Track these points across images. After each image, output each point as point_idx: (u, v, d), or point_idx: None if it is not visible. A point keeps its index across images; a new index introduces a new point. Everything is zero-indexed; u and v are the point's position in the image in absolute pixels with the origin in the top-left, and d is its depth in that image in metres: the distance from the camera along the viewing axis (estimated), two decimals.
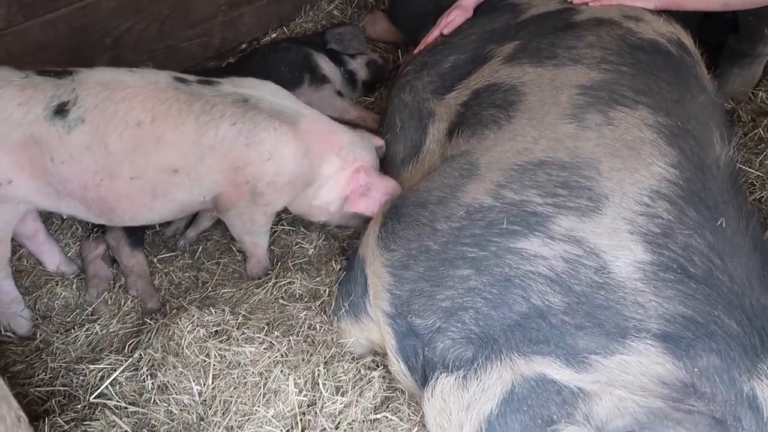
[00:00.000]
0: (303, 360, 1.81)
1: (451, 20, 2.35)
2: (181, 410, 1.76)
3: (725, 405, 1.35)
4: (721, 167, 1.70)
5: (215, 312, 1.92)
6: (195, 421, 1.75)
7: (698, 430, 1.31)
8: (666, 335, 1.41)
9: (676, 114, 1.76)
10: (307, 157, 1.95)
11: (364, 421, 1.73)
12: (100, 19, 2.23)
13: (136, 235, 2.21)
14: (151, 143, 1.76)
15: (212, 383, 1.77)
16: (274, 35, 2.97)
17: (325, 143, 1.98)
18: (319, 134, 1.98)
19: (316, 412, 1.74)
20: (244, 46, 2.90)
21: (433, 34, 2.38)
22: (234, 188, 1.90)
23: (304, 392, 1.76)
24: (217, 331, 1.88)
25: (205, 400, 1.77)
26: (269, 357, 1.79)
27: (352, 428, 1.72)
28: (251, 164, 1.87)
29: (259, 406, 1.73)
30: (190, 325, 1.87)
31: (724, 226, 1.55)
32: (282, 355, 1.81)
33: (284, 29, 3.00)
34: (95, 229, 2.24)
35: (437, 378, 1.55)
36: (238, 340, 1.83)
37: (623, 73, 1.86)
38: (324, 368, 1.80)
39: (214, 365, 1.78)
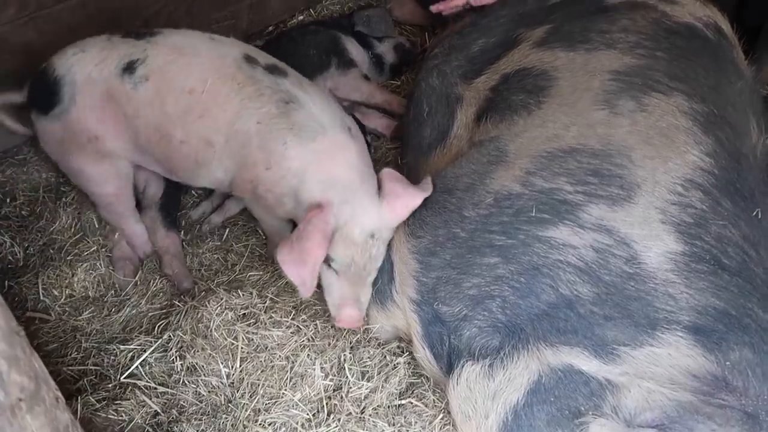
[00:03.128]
0: (329, 345, 1.83)
1: None
2: (209, 392, 1.79)
3: (758, 399, 1.33)
4: (757, 156, 1.66)
5: (243, 295, 1.94)
6: (223, 402, 1.78)
7: (729, 425, 1.30)
8: (697, 327, 1.39)
9: (712, 101, 1.72)
10: (301, 176, 1.77)
11: (389, 407, 1.74)
12: (130, 1, 2.24)
13: (171, 216, 2.24)
14: (197, 112, 1.79)
15: (240, 366, 1.79)
16: (300, 18, 2.95)
17: (324, 169, 1.75)
18: (326, 156, 1.76)
19: (341, 397, 1.76)
20: (270, 28, 2.89)
21: (459, 1, 2.34)
22: (241, 181, 1.89)
23: (330, 377, 1.78)
24: (244, 314, 1.90)
25: (233, 383, 1.79)
26: (296, 341, 1.81)
27: (377, 413, 1.73)
28: (255, 167, 1.81)
29: (285, 390, 1.75)
30: (219, 308, 1.89)
31: (759, 216, 1.52)
32: (309, 340, 1.83)
33: (311, 12, 2.98)
34: None
35: (463, 366, 1.55)
36: (265, 323, 1.86)
37: (658, 58, 1.81)
38: (350, 353, 1.82)
39: (242, 348, 1.81)
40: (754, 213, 1.53)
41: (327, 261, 1.72)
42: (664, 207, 1.52)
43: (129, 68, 1.78)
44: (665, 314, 1.40)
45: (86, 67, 1.80)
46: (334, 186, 1.72)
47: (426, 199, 1.78)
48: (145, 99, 1.79)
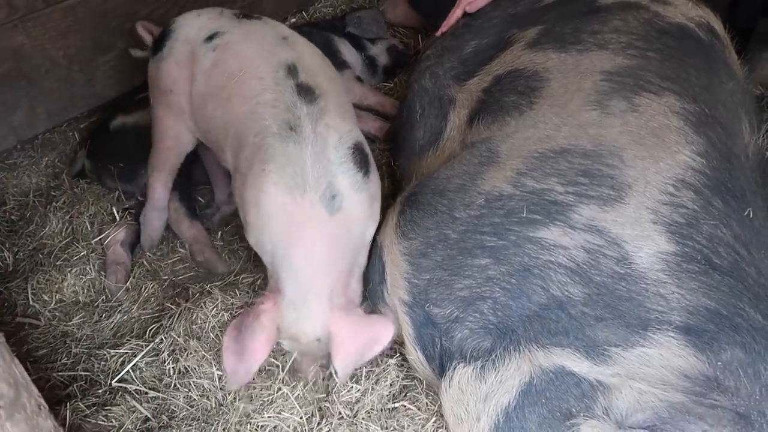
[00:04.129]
0: None
1: (473, 0, 2.31)
2: (200, 395, 1.78)
3: (749, 399, 1.32)
4: (749, 156, 1.66)
5: (239, 294, 1.93)
6: (214, 406, 1.77)
7: (721, 425, 1.28)
8: (689, 328, 1.38)
9: (703, 101, 1.72)
10: (269, 223, 1.63)
11: (382, 410, 1.73)
12: (120, 4, 2.23)
13: (192, 206, 2.28)
14: (226, 95, 1.80)
15: None
16: (293, 20, 2.95)
17: (287, 240, 1.59)
18: (292, 224, 1.59)
19: (333, 400, 1.74)
20: None
21: (456, 14, 2.34)
22: (233, 185, 1.85)
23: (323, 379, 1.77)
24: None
25: (224, 385, 1.78)
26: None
27: (370, 416, 1.72)
28: (238, 175, 1.74)
29: (277, 393, 1.74)
30: (215, 309, 1.88)
31: (751, 216, 1.51)
32: None
33: (304, 14, 2.98)
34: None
35: (455, 368, 1.53)
36: None
37: (650, 58, 1.81)
38: None
39: None
40: (746, 213, 1.52)
41: (280, 342, 1.64)
42: (656, 207, 1.51)
43: (210, 37, 1.89)
44: (656, 315, 1.39)
45: (188, 29, 1.96)
46: (288, 274, 1.57)
47: (417, 201, 1.76)
48: (205, 67, 1.86)
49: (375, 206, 1.72)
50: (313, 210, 1.57)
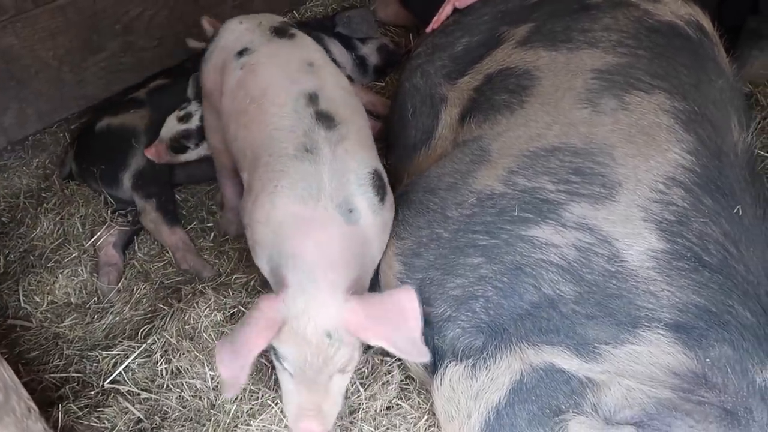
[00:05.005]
0: None
1: None
2: (193, 396, 1.78)
3: (737, 396, 1.33)
4: (738, 154, 1.66)
5: (232, 294, 1.93)
6: (206, 407, 1.77)
7: (708, 421, 1.29)
8: (678, 325, 1.39)
9: (693, 99, 1.72)
10: (278, 233, 1.58)
11: (377, 410, 1.73)
12: (110, 5, 2.22)
13: (171, 212, 2.25)
14: (245, 120, 1.76)
15: None
16: (284, 20, 2.94)
17: (296, 241, 1.53)
18: (303, 227, 1.54)
19: None
20: None
21: (446, 10, 2.33)
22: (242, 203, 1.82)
23: None
24: (233, 314, 1.88)
25: (217, 385, 1.78)
26: None
27: (363, 418, 1.72)
28: (250, 194, 1.70)
29: (270, 393, 1.74)
30: (207, 309, 1.88)
31: (740, 214, 1.52)
32: None
33: (295, 13, 2.98)
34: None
35: (446, 366, 1.54)
36: None
37: (640, 56, 1.81)
38: None
39: None
40: (735, 210, 1.52)
41: (279, 359, 1.49)
42: (646, 205, 1.52)
43: (240, 53, 1.89)
44: (646, 312, 1.40)
45: (228, 37, 1.98)
46: (297, 266, 1.48)
47: (409, 200, 1.77)
48: (231, 85, 1.87)
49: (386, 235, 1.69)
50: (327, 213, 1.53)
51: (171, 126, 2.19)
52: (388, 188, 1.70)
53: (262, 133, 1.69)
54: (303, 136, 1.62)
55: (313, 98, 1.70)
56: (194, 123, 2.18)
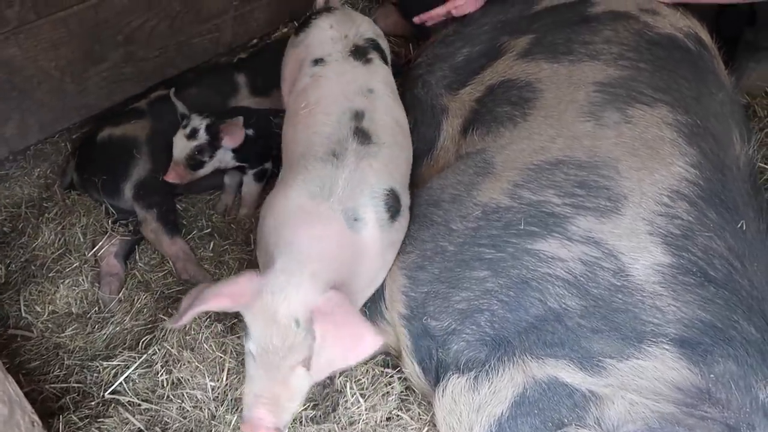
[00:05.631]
0: None
1: (460, 4, 2.30)
2: (193, 407, 1.77)
3: (740, 412, 1.33)
4: (740, 167, 1.67)
5: None
6: (206, 417, 1.76)
7: None
8: (683, 340, 1.39)
9: (695, 112, 1.73)
10: (282, 221, 1.64)
11: (378, 421, 1.73)
12: (111, 15, 2.22)
13: (172, 223, 2.25)
14: (296, 121, 1.86)
15: (226, 379, 1.78)
16: (284, 30, 2.95)
17: (295, 230, 1.58)
18: (305, 219, 1.60)
19: (329, 412, 1.74)
20: (254, 41, 2.88)
21: (439, 11, 2.35)
22: None
23: (322, 392, 1.77)
24: (233, 324, 1.87)
25: (217, 396, 1.77)
26: None
27: (366, 426, 1.72)
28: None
29: None
30: (207, 319, 1.87)
31: (744, 228, 1.53)
32: None
33: (295, 24, 2.97)
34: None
35: (449, 379, 1.54)
36: None
37: (641, 69, 1.83)
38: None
39: (229, 361, 1.79)
40: (739, 225, 1.53)
41: (247, 339, 1.47)
42: (652, 218, 1.52)
43: (316, 62, 1.98)
44: (652, 327, 1.41)
45: (316, 36, 2.06)
46: (288, 252, 1.50)
47: (413, 213, 1.77)
48: (299, 87, 1.96)
49: (389, 255, 1.71)
50: (331, 213, 1.58)
51: (182, 146, 2.18)
52: (405, 212, 1.75)
53: (304, 135, 1.79)
54: (335, 143, 1.72)
55: (359, 116, 1.79)
56: (203, 137, 2.18)
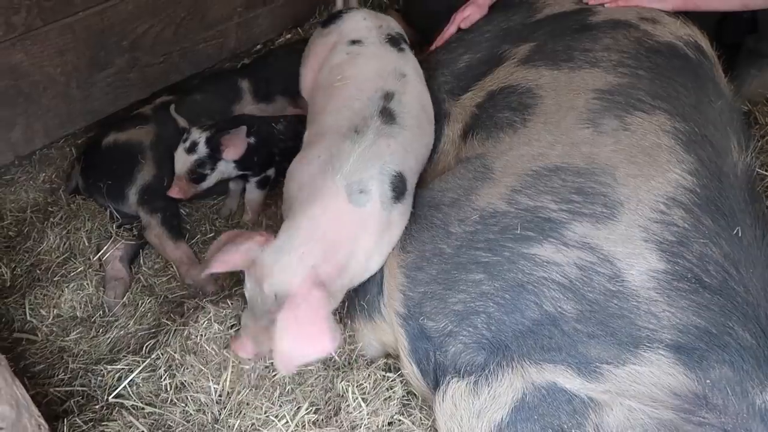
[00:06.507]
0: (322, 366, 1.82)
1: (467, 15, 2.34)
2: (197, 410, 1.78)
3: (737, 417, 1.34)
4: (738, 175, 1.67)
5: (231, 304, 1.94)
6: (209, 421, 1.77)
7: None
8: (679, 346, 1.40)
9: (693, 119, 1.74)
10: (300, 190, 1.78)
11: (379, 425, 1.74)
12: (117, 22, 2.24)
13: (176, 227, 2.27)
14: (329, 92, 1.97)
15: (229, 383, 1.79)
16: (288, 36, 2.98)
17: (303, 204, 1.69)
18: (313, 194, 1.69)
19: (331, 416, 1.75)
20: (259, 47, 2.91)
21: (450, 30, 2.37)
22: None
23: (327, 396, 1.78)
24: (233, 324, 1.89)
25: (221, 399, 1.79)
26: None
27: (368, 431, 1.73)
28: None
29: (274, 408, 1.74)
30: (206, 321, 1.89)
31: (740, 235, 1.53)
32: None
33: (299, 30, 3.00)
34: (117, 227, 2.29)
35: (448, 383, 1.55)
36: None
37: (640, 77, 1.84)
38: (342, 373, 1.81)
39: (233, 361, 1.80)
40: (735, 231, 1.54)
41: (245, 286, 1.66)
42: (647, 225, 1.53)
43: (353, 42, 2.10)
44: (648, 332, 1.41)
45: (349, 25, 2.18)
46: (289, 225, 1.64)
47: (414, 214, 1.79)
48: (333, 62, 2.06)
49: (387, 235, 1.74)
50: (333, 190, 1.67)
51: (183, 160, 2.20)
52: (408, 199, 1.81)
53: (334, 105, 1.91)
54: (361, 119, 1.82)
55: (388, 96, 1.89)
56: (203, 150, 2.19)
